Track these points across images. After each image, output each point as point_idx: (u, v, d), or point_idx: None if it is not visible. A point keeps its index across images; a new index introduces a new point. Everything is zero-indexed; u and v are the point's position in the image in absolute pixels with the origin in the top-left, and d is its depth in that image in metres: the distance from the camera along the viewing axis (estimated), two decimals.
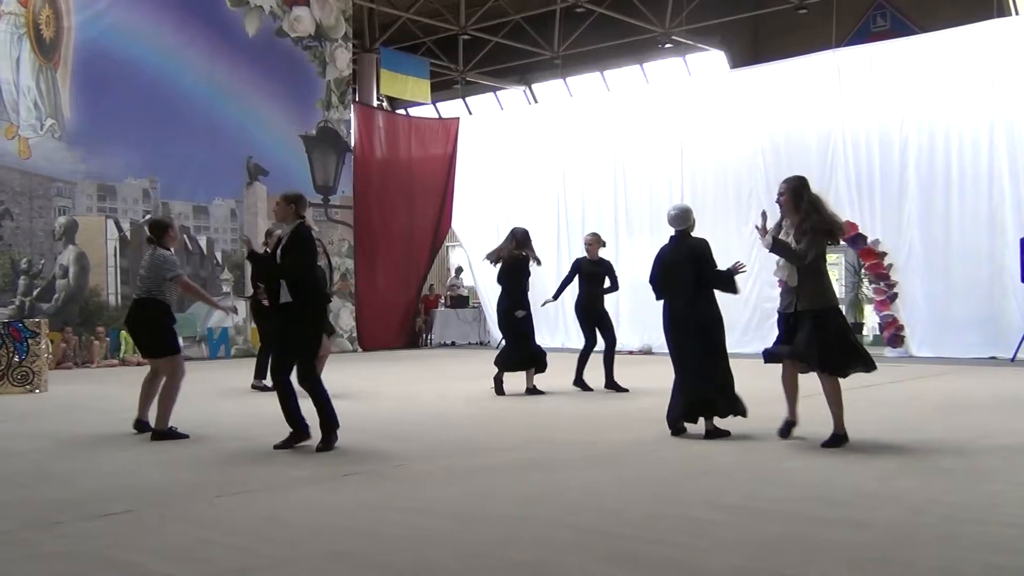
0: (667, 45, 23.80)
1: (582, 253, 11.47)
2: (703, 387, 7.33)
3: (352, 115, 19.90)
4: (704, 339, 7.38)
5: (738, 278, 7.63)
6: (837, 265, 20.33)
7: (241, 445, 7.27)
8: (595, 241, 11.10)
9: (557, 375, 11.01)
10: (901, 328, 15.43)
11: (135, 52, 16.29)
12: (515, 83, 28.30)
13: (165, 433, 7.59)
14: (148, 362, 8.17)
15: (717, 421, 7.35)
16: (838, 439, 6.81)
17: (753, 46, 24.61)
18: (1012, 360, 13.68)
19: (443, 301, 22.16)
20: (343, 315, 19.36)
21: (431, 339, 21.34)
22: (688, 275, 7.42)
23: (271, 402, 8.82)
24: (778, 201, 7.03)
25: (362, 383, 12.09)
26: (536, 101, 28.04)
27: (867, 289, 16.54)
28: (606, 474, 6.02)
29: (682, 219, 7.66)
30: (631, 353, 16.33)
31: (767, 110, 16.77)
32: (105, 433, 7.95)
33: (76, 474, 6.17)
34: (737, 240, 17.05)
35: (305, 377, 7.04)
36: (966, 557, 4.11)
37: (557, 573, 3.97)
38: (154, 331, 7.80)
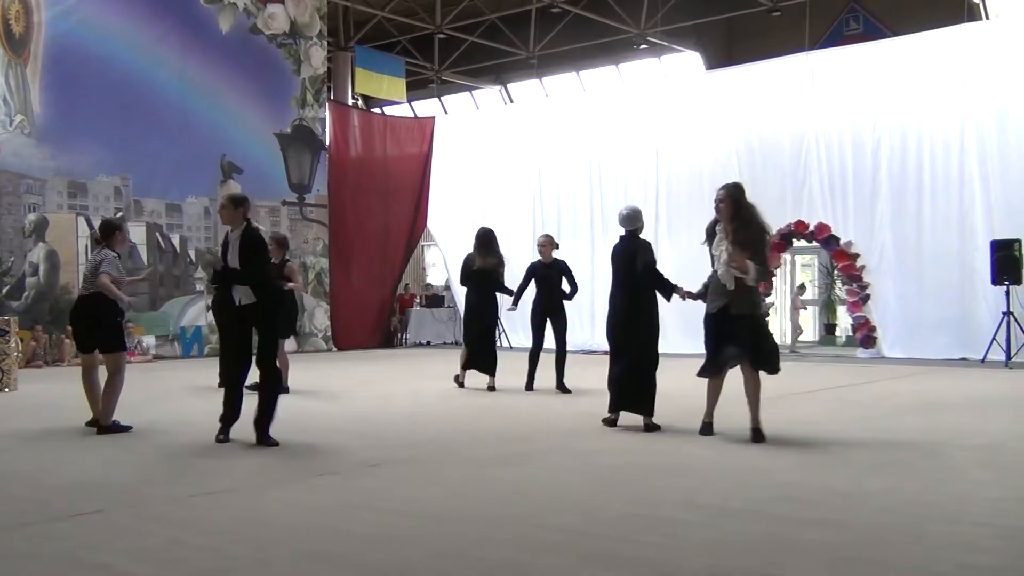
0: (642, 46, 23.87)
1: (565, 252, 11.42)
2: (634, 382, 7.69)
3: (327, 113, 19.81)
4: (639, 338, 7.71)
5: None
6: (810, 266, 20.50)
7: (213, 444, 7.20)
8: (548, 243, 10.91)
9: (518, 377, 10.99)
10: (873, 329, 15.56)
11: (107, 48, 16.13)
12: (491, 83, 28.28)
13: (111, 427, 7.75)
14: (84, 359, 8.27)
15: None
16: (758, 433, 7.08)
17: (728, 48, 24.74)
18: (982, 361, 13.83)
19: (418, 300, 22.11)
20: (317, 314, 19.28)
21: (406, 338, 21.28)
22: (631, 274, 7.71)
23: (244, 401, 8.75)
24: (717, 207, 7.19)
25: (337, 383, 12.03)
26: (512, 101, 28.05)
27: (840, 290, 16.66)
28: (580, 474, 6.02)
29: (632, 219, 7.93)
30: (606, 353, 16.28)
31: (742, 111, 16.85)
32: (75, 432, 7.85)
33: (45, 473, 6.10)
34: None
35: (269, 372, 7.16)
36: (939, 556, 4.14)
37: (532, 573, 3.97)
38: (103, 327, 7.92)
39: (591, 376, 10.93)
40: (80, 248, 15.74)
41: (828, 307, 19.90)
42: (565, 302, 10.84)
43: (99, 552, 4.28)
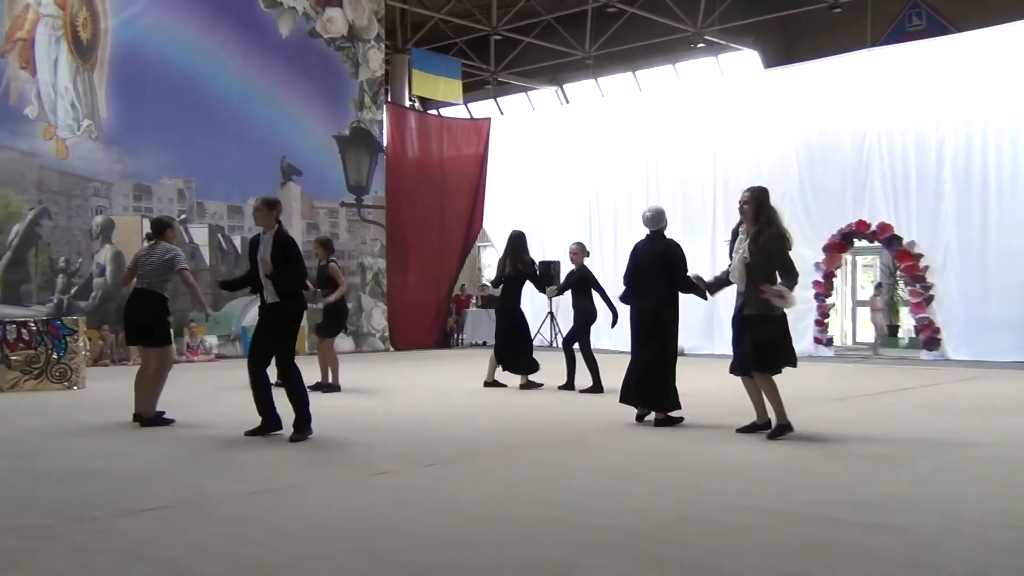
0: (700, 45, 23.68)
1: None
2: (654, 379, 7.95)
3: (384, 115, 20.01)
4: (663, 336, 7.97)
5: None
6: (872, 267, 20.16)
7: (273, 443, 7.33)
8: (579, 250, 11.12)
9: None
10: (937, 331, 15.27)
11: (170, 53, 16.49)
12: (546, 83, 28.28)
13: (154, 420, 8.17)
14: (139, 352, 8.84)
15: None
16: (782, 429, 7.19)
17: (786, 46, 24.42)
18: None
19: (474, 301, 22.20)
20: (375, 314, 19.47)
21: (462, 339, 21.39)
22: (659, 276, 7.93)
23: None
24: (741, 208, 7.31)
25: (393, 383, 12.15)
26: (568, 101, 28.02)
27: (903, 291, 16.39)
28: (632, 475, 6.01)
29: (656, 220, 8.16)
30: None
31: (801, 110, 16.67)
32: (141, 430, 8.05)
33: (113, 470, 6.26)
34: None
35: (281, 374, 7.44)
36: (999, 563, 4.06)
37: None
38: (156, 322, 8.35)
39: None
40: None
41: (891, 308, 19.54)
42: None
43: (162, 547, 4.39)
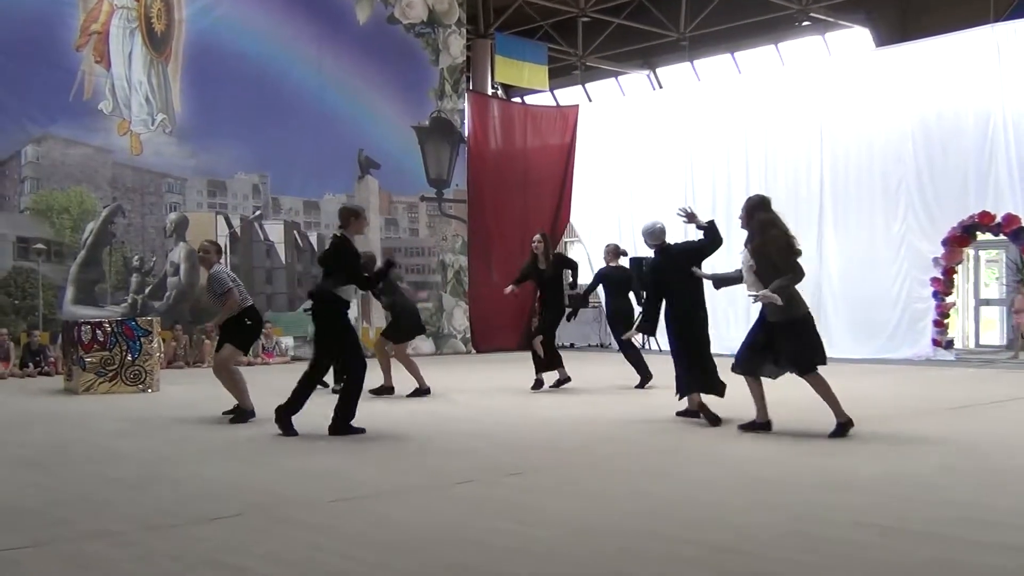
0: (805, 23, 23.26)
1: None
2: (709, 366, 8.64)
3: (466, 104, 20.14)
4: (703, 329, 8.71)
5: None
6: (997, 262, 19.52)
7: (350, 447, 7.45)
8: (613, 252, 12.30)
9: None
10: None
11: (244, 43, 16.87)
12: (638, 67, 28.11)
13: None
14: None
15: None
16: (839, 428, 7.55)
17: (901, 22, 23.80)
18: None
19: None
20: (456, 314, 19.62)
21: None
22: (686, 278, 8.56)
23: (381, 406, 9.04)
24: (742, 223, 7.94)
25: (475, 386, 12.23)
26: (661, 86, 27.80)
27: None
28: (730, 486, 5.94)
29: (658, 235, 8.87)
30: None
31: (918, 92, 16.25)
32: (217, 435, 8.26)
33: (188, 476, 6.44)
34: (884, 237, 16.57)
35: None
36: None
37: None
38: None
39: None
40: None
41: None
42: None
43: (238, 555, 4.50)
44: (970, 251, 17.50)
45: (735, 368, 7.94)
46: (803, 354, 7.59)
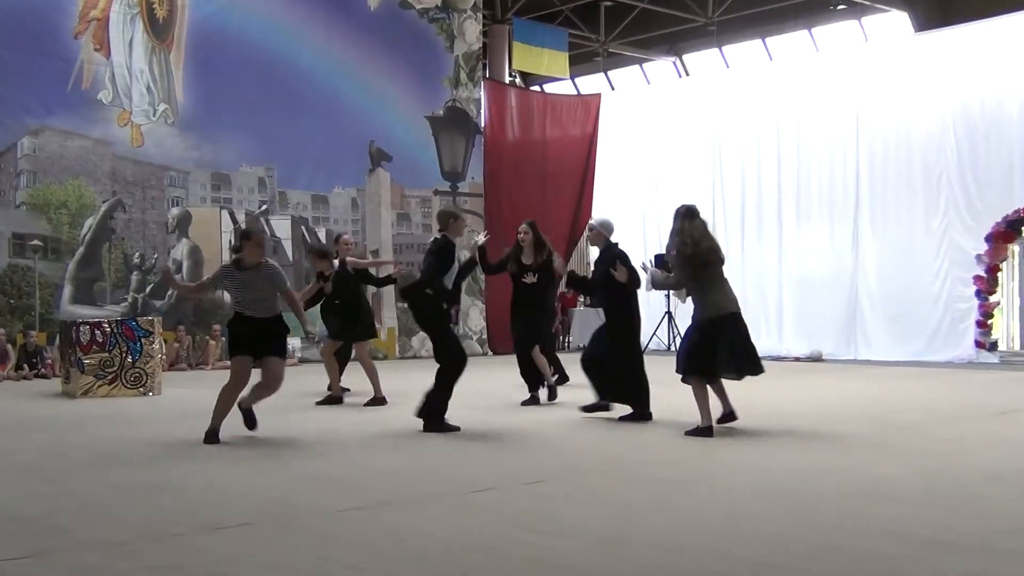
0: (840, 6, 23.13)
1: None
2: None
3: (482, 93, 20.13)
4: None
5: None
6: None
7: (365, 455, 7.46)
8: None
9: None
10: None
11: (250, 29, 16.90)
12: (663, 54, 28.02)
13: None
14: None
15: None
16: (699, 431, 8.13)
17: (941, 5, 23.63)
18: None
19: (582, 299, 22.16)
20: (472, 314, 19.61)
21: (569, 342, 21.37)
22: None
23: (393, 412, 9.05)
24: None
25: (493, 390, 12.21)
26: (687, 73, 27.71)
27: None
28: (760, 497, 5.91)
29: (611, 228, 9.80)
30: (797, 360, 15.97)
31: (960, 80, 16.16)
32: (222, 441, 8.27)
33: (192, 484, 6.46)
34: (924, 233, 16.48)
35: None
36: None
37: None
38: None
39: (781, 386, 10.70)
40: (224, 244, 16.54)
41: None
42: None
43: (244, 566, 4.52)
44: (1015, 248, 17.36)
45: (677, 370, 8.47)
46: (679, 356, 8.42)
